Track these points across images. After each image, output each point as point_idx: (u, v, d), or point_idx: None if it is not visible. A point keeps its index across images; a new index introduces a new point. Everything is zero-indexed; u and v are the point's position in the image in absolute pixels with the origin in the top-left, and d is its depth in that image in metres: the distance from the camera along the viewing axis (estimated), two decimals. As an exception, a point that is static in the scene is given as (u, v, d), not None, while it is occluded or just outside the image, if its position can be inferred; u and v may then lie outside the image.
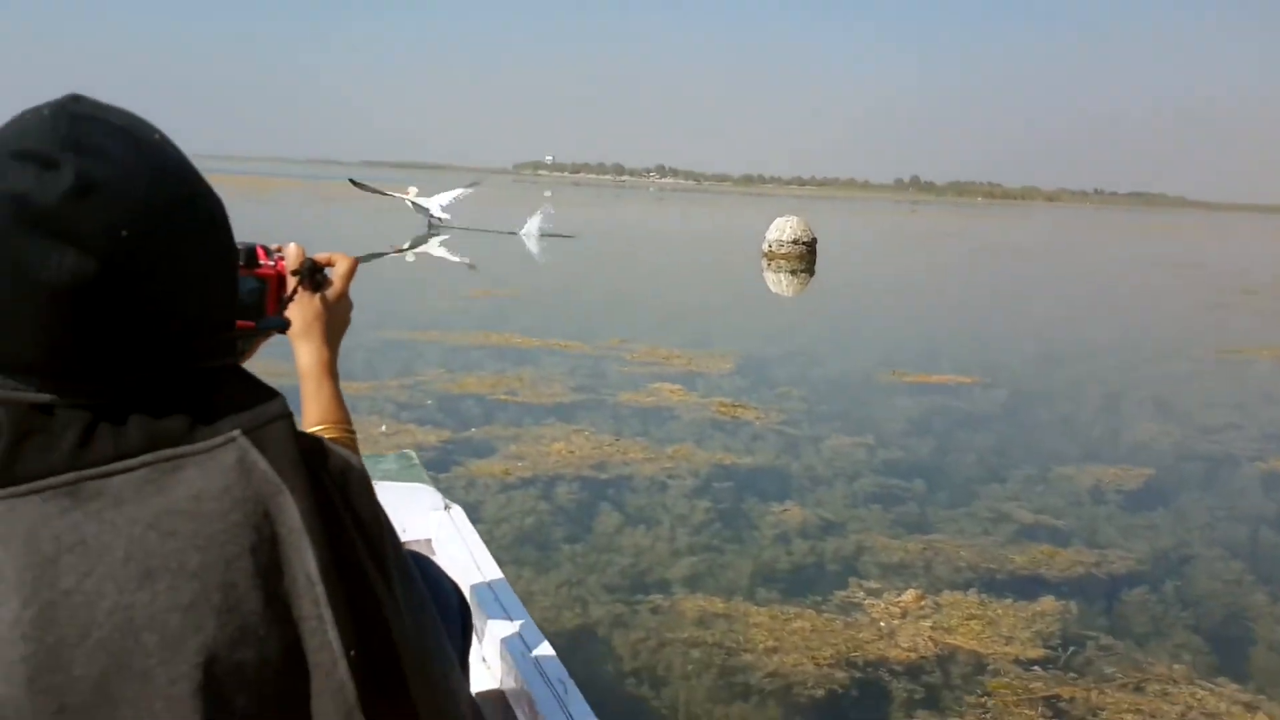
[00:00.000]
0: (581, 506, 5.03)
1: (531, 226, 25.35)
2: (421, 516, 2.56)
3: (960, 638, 3.79)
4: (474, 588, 2.21)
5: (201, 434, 0.77)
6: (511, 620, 2.11)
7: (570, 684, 1.88)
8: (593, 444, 6.10)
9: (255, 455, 0.77)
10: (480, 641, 2.09)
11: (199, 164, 0.84)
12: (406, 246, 21.69)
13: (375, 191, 28.09)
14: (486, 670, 2.08)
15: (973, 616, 3.97)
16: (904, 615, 3.96)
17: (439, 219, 25.72)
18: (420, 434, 6.06)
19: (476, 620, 2.06)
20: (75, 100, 0.77)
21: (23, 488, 0.72)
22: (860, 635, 3.77)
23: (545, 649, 2.00)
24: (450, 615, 1.53)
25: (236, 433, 0.78)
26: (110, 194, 0.72)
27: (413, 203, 26.47)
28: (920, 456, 6.39)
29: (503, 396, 7.26)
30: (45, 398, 0.74)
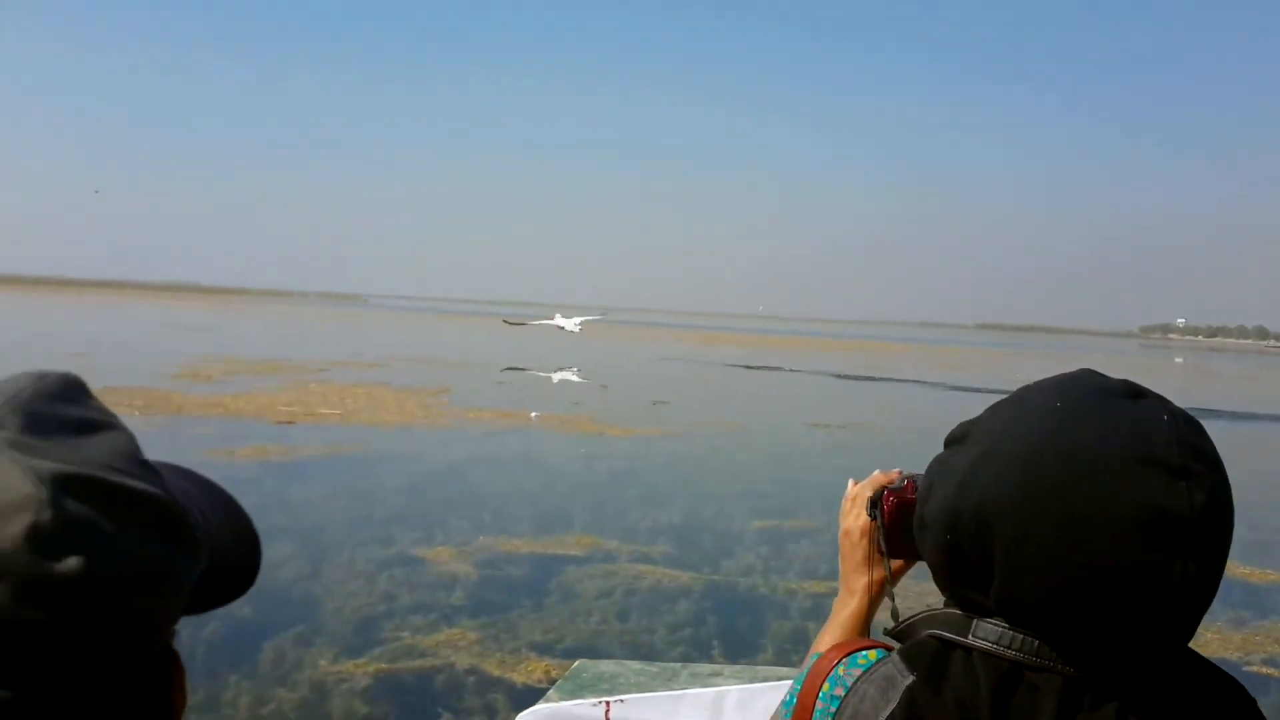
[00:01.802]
0: None
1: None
2: None
3: None
4: None
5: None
6: None
7: None
8: None
9: None
10: None
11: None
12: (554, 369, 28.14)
13: (520, 324, 36.80)
14: None
15: None
16: None
17: (574, 332, 33.07)
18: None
19: None
20: (1160, 401, 0.76)
21: None
22: None
23: None
24: None
25: None
26: (1225, 507, 0.71)
27: (558, 326, 34.30)
28: None
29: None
30: (1032, 660, 0.74)
